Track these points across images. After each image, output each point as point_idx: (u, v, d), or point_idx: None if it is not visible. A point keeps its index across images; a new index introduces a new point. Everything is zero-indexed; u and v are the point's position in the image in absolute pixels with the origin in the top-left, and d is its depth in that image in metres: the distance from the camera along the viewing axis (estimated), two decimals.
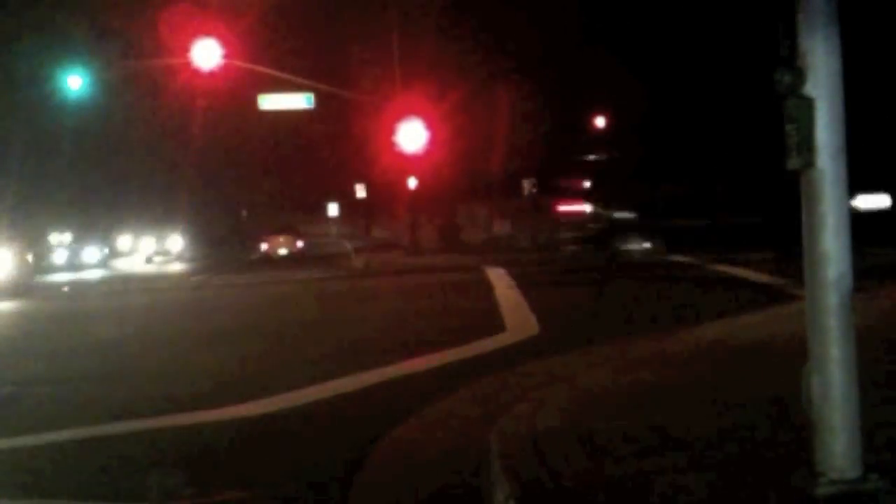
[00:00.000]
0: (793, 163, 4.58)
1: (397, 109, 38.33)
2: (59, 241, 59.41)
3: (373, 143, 43.70)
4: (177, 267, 38.20)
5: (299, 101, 40.85)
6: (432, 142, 38.38)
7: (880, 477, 4.55)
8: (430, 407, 8.82)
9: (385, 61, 40.48)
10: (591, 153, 46.29)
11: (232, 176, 77.00)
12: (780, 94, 4.57)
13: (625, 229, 32.26)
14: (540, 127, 44.97)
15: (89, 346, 15.46)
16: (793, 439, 5.34)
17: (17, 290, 29.18)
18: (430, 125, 38.06)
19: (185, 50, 37.82)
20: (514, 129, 45.10)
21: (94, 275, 44.86)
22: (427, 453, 7.22)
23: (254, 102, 41.28)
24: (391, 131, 38.14)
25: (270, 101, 41.17)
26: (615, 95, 43.98)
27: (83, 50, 41.19)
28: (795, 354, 4.92)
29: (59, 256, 55.84)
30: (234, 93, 43.30)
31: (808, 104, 4.51)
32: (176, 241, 63.05)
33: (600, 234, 34.01)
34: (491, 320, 15.43)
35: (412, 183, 41.01)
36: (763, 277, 19.90)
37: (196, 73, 38.50)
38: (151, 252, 61.35)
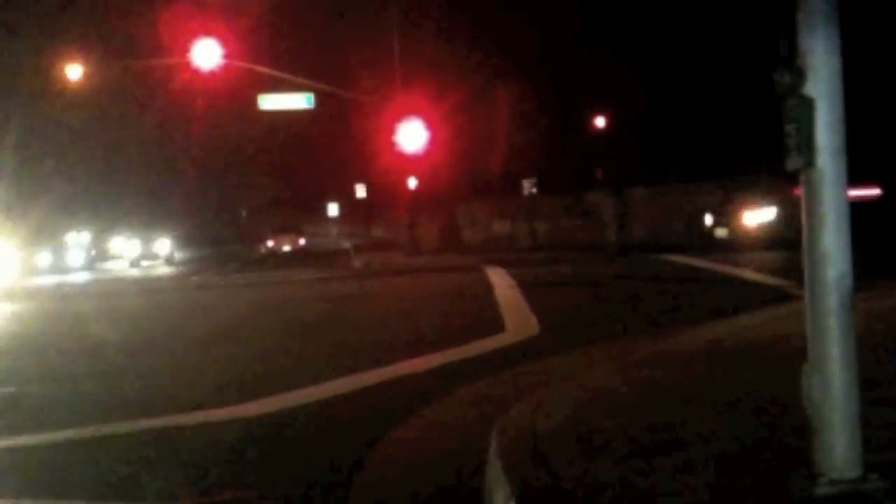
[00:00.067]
0: (793, 163, 4.59)
1: (397, 109, 38.34)
2: (77, 240, 57.99)
3: (373, 143, 43.71)
4: (165, 270, 36.31)
5: (299, 101, 40.87)
6: (432, 142, 38.39)
7: (880, 477, 4.55)
8: (430, 407, 8.83)
9: (385, 61, 40.48)
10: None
11: (232, 176, 77.11)
12: (780, 94, 4.57)
13: None
14: (540, 127, 44.98)
15: (84, 347, 15.47)
16: (793, 439, 5.34)
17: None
18: (430, 125, 38.08)
19: (185, 50, 37.85)
20: (513, 129, 45.12)
21: (78, 278, 44.10)
22: (427, 453, 7.22)
23: (254, 102, 41.29)
24: (391, 131, 38.16)
25: (270, 101, 41.18)
26: (615, 95, 43.98)
27: (83, 50, 41.17)
28: (795, 354, 4.92)
29: (73, 257, 54.68)
30: (234, 93, 43.35)
31: (808, 104, 4.51)
32: (164, 244, 59.08)
33: None
34: (491, 320, 15.43)
35: (412, 183, 41.02)
36: (763, 278, 19.89)
37: (196, 73, 38.52)
38: (136, 255, 58.25)
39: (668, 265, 26.01)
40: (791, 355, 5.25)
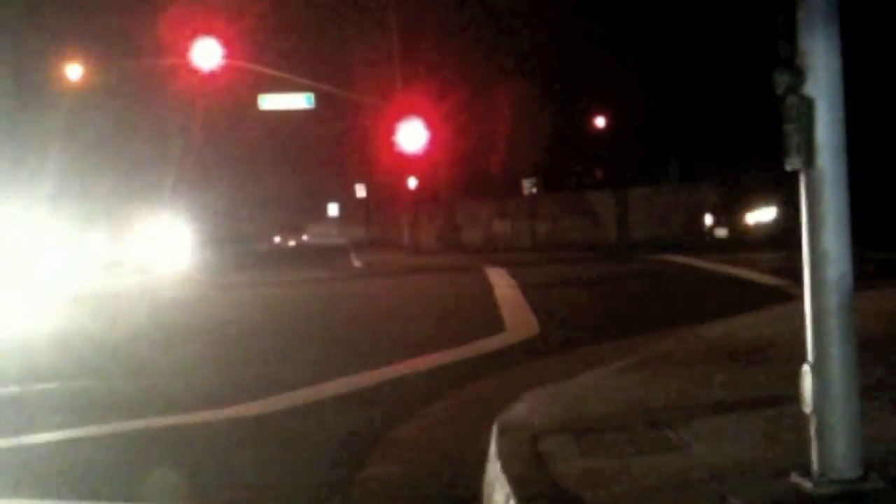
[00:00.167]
0: (793, 163, 4.59)
1: (397, 109, 38.35)
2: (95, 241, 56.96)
3: (373, 143, 43.75)
4: (137, 279, 32.96)
5: (299, 101, 40.87)
6: (432, 142, 38.39)
7: (880, 477, 4.55)
8: (429, 407, 8.83)
9: (385, 61, 40.50)
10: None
11: (232, 176, 77.16)
12: (779, 93, 4.57)
13: None
14: (540, 127, 44.99)
15: (94, 345, 15.47)
16: (792, 439, 5.34)
17: None
18: (430, 125, 38.08)
19: (185, 50, 37.84)
20: (513, 129, 45.13)
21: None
22: (427, 453, 7.22)
23: (254, 102, 41.30)
24: (391, 131, 38.16)
25: (270, 101, 41.18)
26: (615, 95, 44.00)
27: (82, 49, 41.18)
28: (795, 354, 4.92)
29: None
30: (234, 93, 43.36)
31: (808, 104, 4.51)
32: (140, 248, 52.56)
33: None
34: (491, 320, 15.43)
35: (412, 183, 41.03)
36: (763, 278, 19.89)
37: (196, 73, 38.52)
38: (108, 260, 51.51)
39: (667, 265, 26.01)
40: (791, 355, 5.25)
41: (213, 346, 14.69)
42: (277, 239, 73.88)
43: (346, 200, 73.80)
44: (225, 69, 38.33)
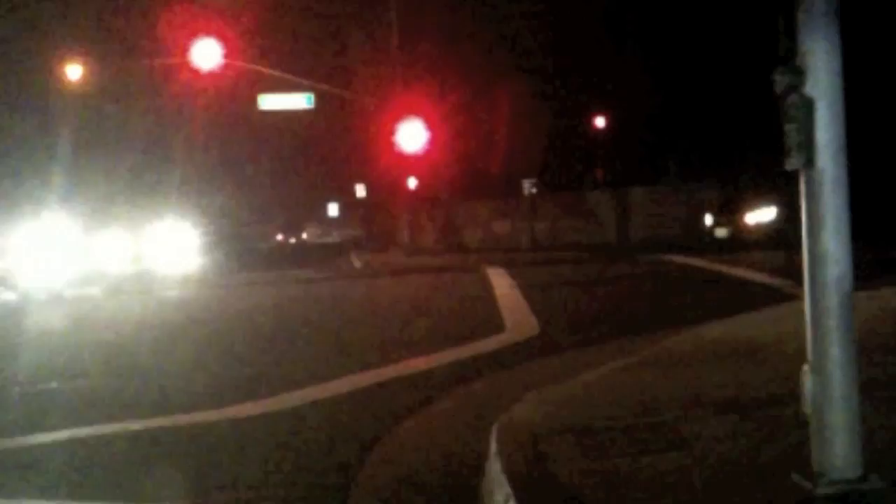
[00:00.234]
0: (792, 163, 4.58)
1: (397, 109, 38.32)
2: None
3: (373, 143, 43.71)
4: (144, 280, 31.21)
5: (299, 101, 40.83)
6: (432, 142, 38.37)
7: (880, 477, 4.55)
8: (429, 407, 8.83)
9: (385, 61, 40.48)
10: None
11: (232, 176, 77.10)
12: (779, 93, 4.57)
13: None
14: (540, 127, 44.98)
15: (95, 347, 15.48)
16: (793, 439, 5.34)
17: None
18: (430, 125, 38.06)
19: (185, 50, 37.82)
20: (513, 129, 45.11)
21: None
22: (427, 453, 7.22)
23: (254, 102, 41.26)
24: (391, 131, 38.14)
25: (270, 101, 41.14)
26: (615, 96, 43.99)
27: (82, 49, 41.15)
28: (795, 354, 4.92)
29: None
30: (234, 93, 43.34)
31: (808, 104, 4.51)
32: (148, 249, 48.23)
33: None
34: (491, 320, 15.43)
35: (412, 183, 41.02)
36: (763, 278, 19.89)
37: (196, 73, 38.50)
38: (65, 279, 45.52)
39: (667, 265, 26.00)
40: (791, 355, 5.25)
41: (214, 345, 14.70)
42: (280, 237, 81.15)
43: (346, 200, 73.79)
44: (225, 69, 38.31)
